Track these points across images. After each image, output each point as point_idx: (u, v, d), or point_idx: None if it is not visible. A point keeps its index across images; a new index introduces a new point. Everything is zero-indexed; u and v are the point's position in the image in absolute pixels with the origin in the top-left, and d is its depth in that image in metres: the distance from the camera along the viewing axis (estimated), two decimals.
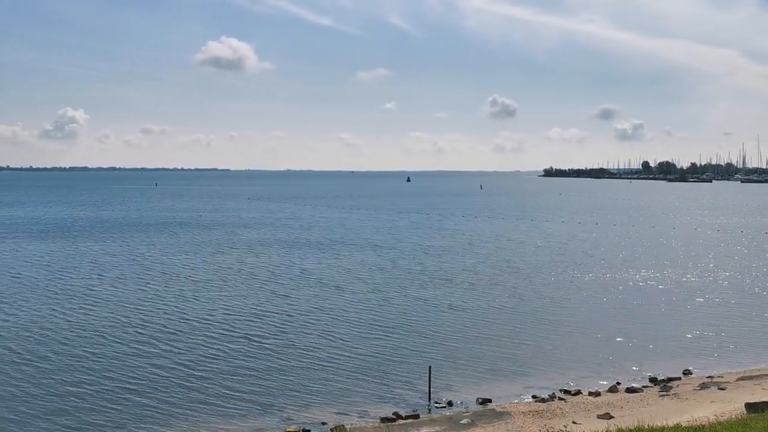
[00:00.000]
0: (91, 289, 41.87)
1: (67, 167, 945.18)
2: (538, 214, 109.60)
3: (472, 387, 24.77)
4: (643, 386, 25.03)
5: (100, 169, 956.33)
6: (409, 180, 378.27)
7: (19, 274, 47.64)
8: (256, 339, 30.62)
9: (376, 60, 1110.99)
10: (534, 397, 23.84)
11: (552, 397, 23.62)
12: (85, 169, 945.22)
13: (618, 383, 25.16)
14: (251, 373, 25.94)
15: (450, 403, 23.13)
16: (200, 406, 22.56)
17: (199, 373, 25.80)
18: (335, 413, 22.08)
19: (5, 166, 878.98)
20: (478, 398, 23.50)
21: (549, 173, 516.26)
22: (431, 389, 23.86)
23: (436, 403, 23.22)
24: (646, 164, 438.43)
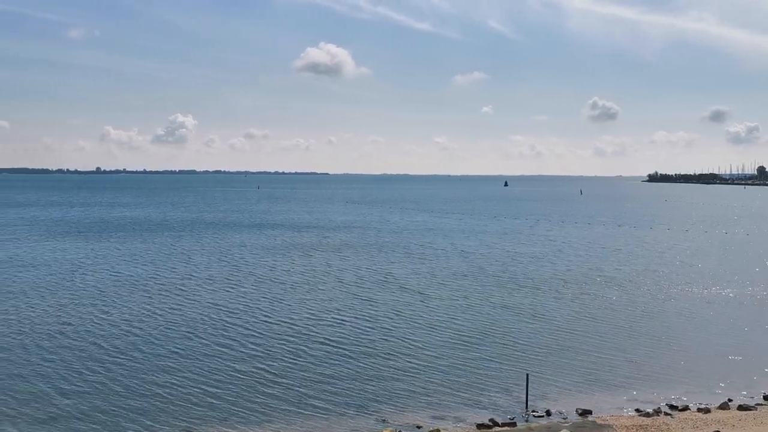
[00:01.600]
0: (182, 289, 43.83)
1: (177, 170, 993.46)
2: (639, 221, 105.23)
3: (570, 397, 24.10)
4: (757, 404, 23.55)
5: (206, 172, 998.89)
6: (506, 184, 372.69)
7: (120, 272, 50.66)
8: (347, 341, 31.05)
9: (473, 63, 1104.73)
10: (637, 410, 22.90)
11: (657, 412, 22.61)
12: (192, 172, 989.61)
13: (730, 400, 23.79)
14: (346, 374, 26.31)
15: (548, 413, 22.60)
16: (297, 404, 23.10)
17: (296, 373, 26.42)
18: (430, 417, 22.05)
19: (122, 169, 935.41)
20: (577, 409, 22.84)
21: (654, 178, 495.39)
22: (528, 397, 23.40)
23: (533, 412, 22.75)
24: (761, 169, 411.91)
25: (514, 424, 21.44)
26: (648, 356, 29.19)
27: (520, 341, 31.24)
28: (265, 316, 36.04)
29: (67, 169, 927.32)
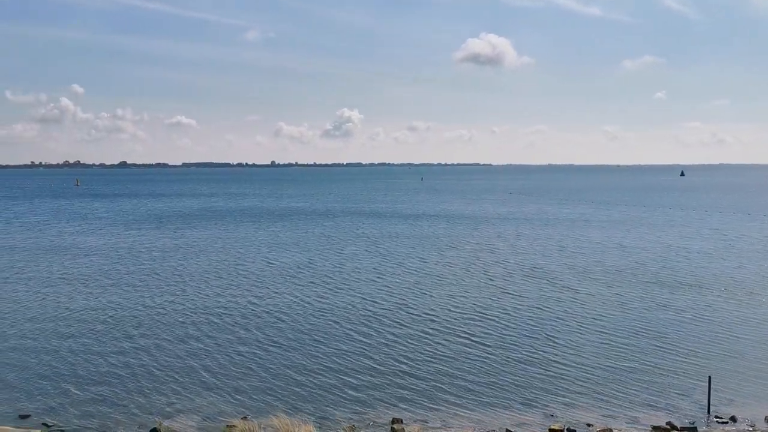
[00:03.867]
0: (332, 277, 44.89)
1: (344, 163, 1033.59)
2: None
3: (759, 403, 22.04)
4: None
5: (371, 164, 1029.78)
6: (683, 174, 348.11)
7: (276, 260, 53.21)
8: (507, 334, 30.39)
9: (644, 47, 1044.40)
10: None
11: None
12: (359, 164, 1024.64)
13: None
14: (511, 367, 25.82)
15: (733, 419, 20.79)
16: (464, 395, 23.05)
17: (462, 364, 26.40)
18: (601, 416, 21.06)
19: (294, 163, 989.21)
20: (766, 416, 20.89)
21: None
22: (710, 401, 21.73)
23: (716, 417, 21.03)
24: None
25: (694, 429, 19.96)
26: None
27: (696, 343, 28.81)
28: (419, 307, 36.26)
29: (246, 163, 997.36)
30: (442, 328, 31.10)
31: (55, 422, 20.49)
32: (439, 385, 23.72)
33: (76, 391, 23.10)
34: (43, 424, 20.35)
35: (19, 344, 28.69)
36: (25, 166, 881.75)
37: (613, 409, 21.56)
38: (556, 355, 27.11)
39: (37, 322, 32.49)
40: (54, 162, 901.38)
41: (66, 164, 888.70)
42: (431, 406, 21.92)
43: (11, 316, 33.75)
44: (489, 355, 27.04)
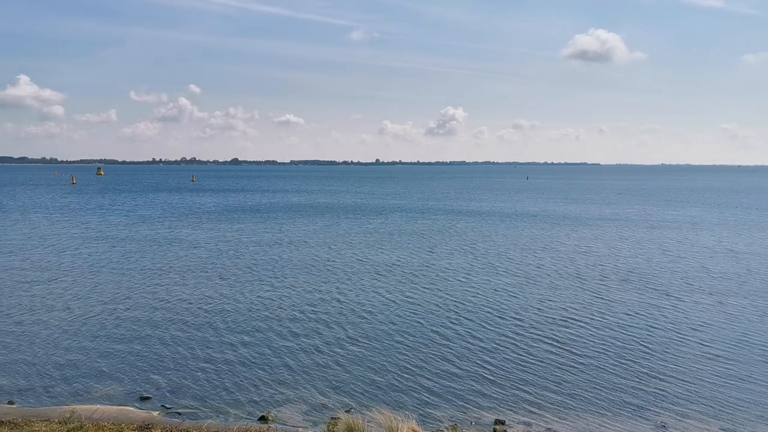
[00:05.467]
0: (419, 276, 44.85)
1: (448, 161, 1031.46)
2: None
3: None
4: None
5: (476, 163, 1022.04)
6: None
7: (366, 257, 53.63)
8: (608, 339, 29.32)
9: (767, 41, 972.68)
10: None
11: None
12: (463, 163, 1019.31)
13: None
14: (615, 372, 24.90)
15: None
16: (567, 399, 22.48)
17: (561, 368, 25.71)
18: (719, 429, 20.02)
19: (398, 161, 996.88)
20: None
21: None
22: None
23: None
24: None
25: None
26: None
27: None
28: (512, 310, 35.54)
29: (351, 161, 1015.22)
30: (536, 332, 30.42)
31: (173, 405, 21.69)
32: (542, 389, 23.25)
33: (191, 377, 24.35)
34: (162, 406, 21.59)
35: (138, 330, 30.56)
36: (147, 162, 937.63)
37: (733, 423, 20.36)
38: (659, 364, 25.88)
39: (155, 309, 34.48)
40: (173, 159, 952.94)
41: (183, 161, 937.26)
42: (534, 409, 21.53)
43: (131, 302, 35.97)
44: (588, 362, 26.20)
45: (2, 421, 19.23)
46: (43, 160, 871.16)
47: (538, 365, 25.74)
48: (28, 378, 24.35)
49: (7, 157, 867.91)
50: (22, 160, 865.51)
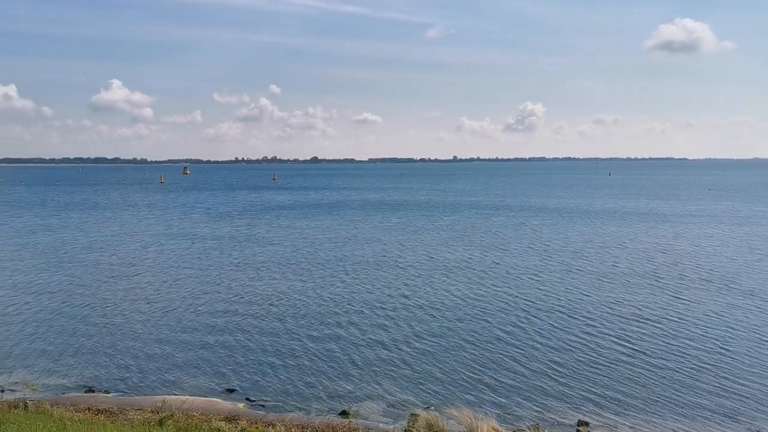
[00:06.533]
0: (495, 274, 44.21)
1: (527, 158, 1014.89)
2: None
3: None
4: None
5: (555, 159, 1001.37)
6: None
7: (436, 255, 53.21)
8: (691, 342, 28.21)
9: None
10: None
11: None
12: (542, 159, 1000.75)
13: None
14: (703, 375, 23.95)
15: None
16: (652, 402, 21.73)
17: (645, 370, 24.88)
18: None
19: (476, 158, 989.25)
20: None
21: None
22: None
23: None
24: None
25: None
26: None
27: None
28: (587, 310, 34.68)
29: (428, 159, 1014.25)
30: (613, 332, 29.58)
31: (257, 398, 22.32)
32: (625, 391, 22.61)
33: (274, 371, 24.98)
34: (246, 398, 22.26)
35: (221, 324, 31.57)
36: (230, 161, 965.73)
37: None
38: (743, 368, 24.67)
39: (235, 304, 35.54)
40: (254, 158, 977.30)
41: (264, 160, 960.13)
42: (619, 411, 20.97)
43: (212, 297, 37.18)
44: (670, 364, 25.24)
45: (99, 409, 20.31)
46: (134, 161, 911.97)
47: (618, 367, 25.03)
48: (121, 369, 25.59)
49: (102, 158, 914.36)
50: (115, 160, 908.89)
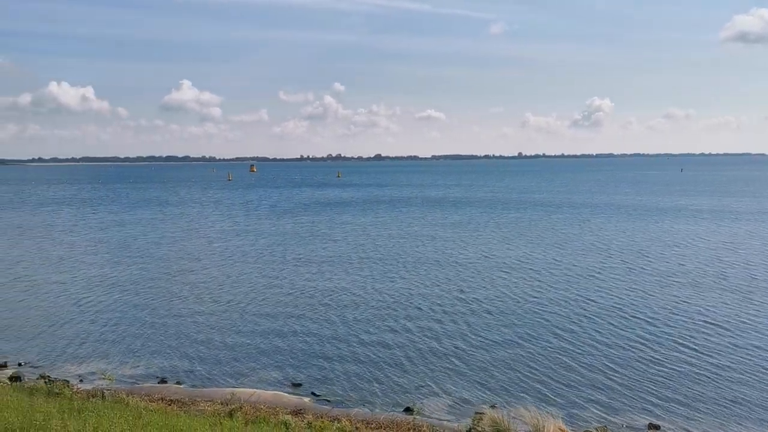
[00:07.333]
0: (553, 272, 43.24)
1: (594, 154, 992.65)
2: None
3: None
4: None
5: (624, 155, 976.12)
6: None
7: (493, 254, 52.41)
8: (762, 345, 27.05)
9: None
10: None
11: None
12: (610, 155, 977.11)
13: None
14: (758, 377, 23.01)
15: None
16: (729, 407, 20.96)
17: (719, 373, 23.96)
18: None
19: (542, 154, 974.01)
20: None
21: None
22: None
23: None
24: None
25: None
26: None
27: None
28: (650, 309, 33.58)
29: (492, 155, 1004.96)
30: (681, 335, 28.56)
31: (322, 393, 22.59)
32: (697, 395, 21.82)
33: (338, 366, 25.24)
34: (312, 393, 22.57)
35: (285, 318, 32.08)
36: (295, 159, 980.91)
37: None
38: None
39: (299, 299, 36.07)
40: (319, 155, 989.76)
41: (329, 157, 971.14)
42: (691, 415, 20.27)
43: (276, 292, 37.81)
44: (742, 368, 24.19)
45: (172, 400, 20.97)
46: (203, 159, 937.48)
47: (686, 370, 24.16)
48: (191, 361, 26.34)
49: (173, 156, 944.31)
50: (185, 159, 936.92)
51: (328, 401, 21.87)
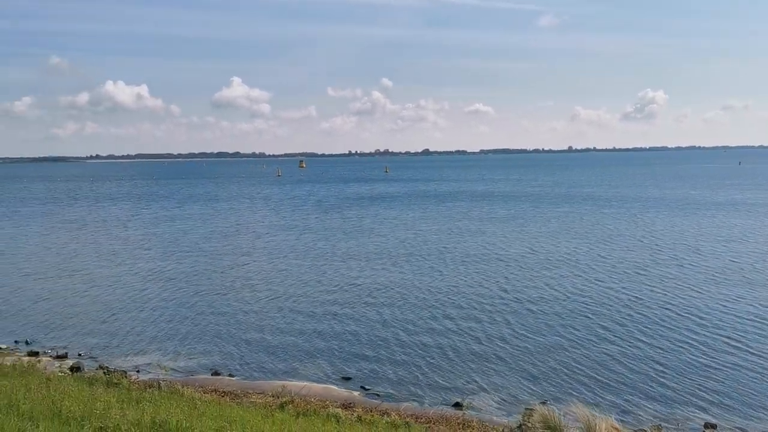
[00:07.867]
0: (596, 268, 42.26)
1: (647, 147, 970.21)
2: None
3: None
4: None
5: (678, 148, 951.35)
6: None
7: (535, 248, 51.48)
8: None
9: None
10: None
11: None
12: (664, 148, 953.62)
13: None
14: None
15: None
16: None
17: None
18: None
19: (592, 148, 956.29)
20: None
21: None
22: None
23: None
24: None
25: None
26: None
27: None
28: (702, 306, 32.57)
29: (542, 149, 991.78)
30: (731, 331, 27.77)
31: (372, 387, 22.74)
32: (754, 394, 21.19)
33: (388, 360, 25.36)
34: (361, 387, 22.73)
35: (334, 313, 32.36)
36: (343, 154, 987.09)
37: None
38: None
39: (346, 293, 36.36)
40: (366, 151, 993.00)
41: (377, 152, 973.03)
42: (749, 414, 19.71)
43: (324, 286, 38.15)
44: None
45: (225, 392, 21.42)
46: (253, 155, 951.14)
47: (739, 368, 23.44)
48: (243, 354, 26.82)
49: (224, 152, 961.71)
50: (236, 155, 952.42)
51: (378, 395, 22.00)
